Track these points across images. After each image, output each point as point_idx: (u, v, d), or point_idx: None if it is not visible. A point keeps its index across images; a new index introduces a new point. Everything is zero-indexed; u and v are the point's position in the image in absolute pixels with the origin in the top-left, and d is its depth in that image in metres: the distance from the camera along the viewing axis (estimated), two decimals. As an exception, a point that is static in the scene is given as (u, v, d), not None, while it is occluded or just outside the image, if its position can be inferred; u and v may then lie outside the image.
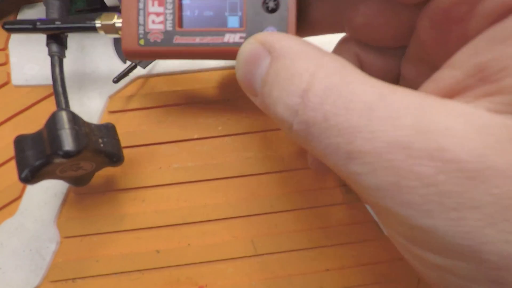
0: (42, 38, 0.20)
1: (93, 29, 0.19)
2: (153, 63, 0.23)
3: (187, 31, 0.17)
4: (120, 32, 0.18)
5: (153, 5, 0.17)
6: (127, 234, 0.21)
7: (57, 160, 0.16)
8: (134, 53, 0.18)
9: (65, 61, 0.20)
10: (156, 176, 0.22)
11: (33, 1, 0.24)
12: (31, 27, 0.19)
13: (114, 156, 0.19)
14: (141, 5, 0.17)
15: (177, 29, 0.17)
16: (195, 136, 0.22)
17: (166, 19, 0.17)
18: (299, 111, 0.12)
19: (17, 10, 0.24)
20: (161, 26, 0.17)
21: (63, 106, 0.18)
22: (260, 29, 0.17)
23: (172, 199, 0.22)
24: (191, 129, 0.22)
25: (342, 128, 0.11)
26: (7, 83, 0.23)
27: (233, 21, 0.17)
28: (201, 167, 0.22)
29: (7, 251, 0.21)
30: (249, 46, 0.14)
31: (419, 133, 0.10)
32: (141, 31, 0.17)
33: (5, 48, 0.23)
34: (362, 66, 0.18)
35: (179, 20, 0.17)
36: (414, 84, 0.16)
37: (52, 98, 0.22)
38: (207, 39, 0.17)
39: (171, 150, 0.22)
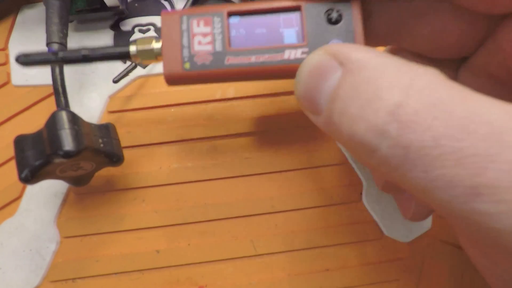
0: (42, 38, 0.20)
1: (126, 55, 0.17)
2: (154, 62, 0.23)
3: (240, 50, 0.15)
4: (158, 58, 0.17)
5: (198, 25, 0.16)
6: (127, 234, 0.21)
7: (57, 160, 0.16)
8: (179, 78, 0.16)
9: (65, 61, 0.20)
10: (156, 176, 0.22)
11: (33, 1, 0.24)
12: (53, 58, 0.17)
13: (114, 156, 0.19)
14: (184, 27, 0.16)
15: (228, 49, 0.15)
16: (195, 136, 0.22)
17: (214, 39, 0.16)
18: (390, 131, 0.09)
19: (17, 10, 0.24)
20: (209, 47, 0.16)
21: (63, 106, 0.18)
22: (325, 42, 0.15)
23: (172, 199, 0.22)
24: (191, 129, 0.22)
25: (464, 156, 0.09)
26: (7, 83, 0.23)
27: (290, 36, 0.15)
28: (201, 167, 0.22)
29: (7, 251, 0.21)
30: (316, 57, 0.12)
31: None
32: (185, 53, 0.16)
33: (5, 48, 0.23)
34: None
35: (228, 39, 0.16)
36: None
37: (52, 98, 0.22)
38: (264, 57, 0.15)
39: (171, 150, 0.22)
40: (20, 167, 0.17)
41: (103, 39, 0.24)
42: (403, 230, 0.21)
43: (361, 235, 0.21)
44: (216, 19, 0.16)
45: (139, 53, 0.16)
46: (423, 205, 0.16)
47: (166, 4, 0.25)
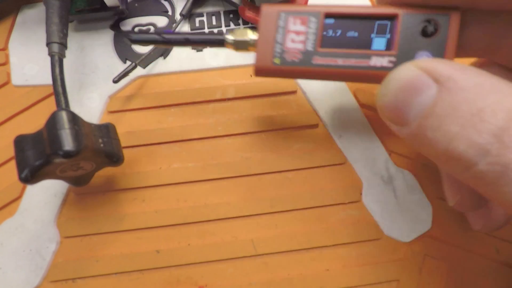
0: (42, 38, 0.20)
1: (222, 43, 0.18)
2: (153, 62, 0.23)
3: (329, 52, 0.16)
4: (251, 49, 0.17)
5: (294, 23, 0.16)
6: (127, 234, 0.21)
7: (57, 160, 0.16)
8: (267, 71, 0.17)
9: (65, 61, 0.20)
10: (156, 176, 0.22)
11: (33, 1, 0.24)
12: (159, 38, 0.18)
13: (114, 156, 0.19)
14: (281, 23, 0.16)
15: (318, 49, 0.16)
16: (195, 136, 0.22)
17: (307, 39, 0.16)
18: (491, 151, 0.10)
19: (17, 10, 0.24)
20: (300, 46, 0.16)
21: (63, 106, 0.18)
22: (412, 53, 0.15)
23: (172, 199, 0.22)
24: (191, 129, 0.22)
25: None
26: (7, 83, 0.23)
27: (379, 43, 0.16)
28: (201, 167, 0.22)
29: (7, 251, 0.21)
30: (408, 73, 0.13)
31: None
32: (277, 49, 0.16)
33: (5, 48, 0.23)
34: None
35: (320, 40, 0.16)
36: None
37: (52, 98, 0.23)
38: (351, 62, 0.16)
39: (171, 150, 0.22)
40: (20, 167, 0.17)
41: (103, 39, 0.24)
42: (403, 230, 0.21)
43: (361, 235, 0.21)
44: (312, 19, 0.16)
45: (235, 42, 0.18)
46: (500, 218, 0.17)
47: (166, 4, 0.25)
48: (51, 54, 0.19)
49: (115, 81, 0.22)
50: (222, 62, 0.23)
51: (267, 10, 0.17)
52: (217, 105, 0.23)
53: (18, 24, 0.24)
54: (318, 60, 0.16)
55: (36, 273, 0.20)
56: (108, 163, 0.19)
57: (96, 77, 0.23)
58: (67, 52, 0.20)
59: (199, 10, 0.25)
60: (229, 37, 0.18)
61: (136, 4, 0.25)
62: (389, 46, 0.16)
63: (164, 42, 0.18)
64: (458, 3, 0.14)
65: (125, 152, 0.20)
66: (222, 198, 0.22)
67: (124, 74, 0.22)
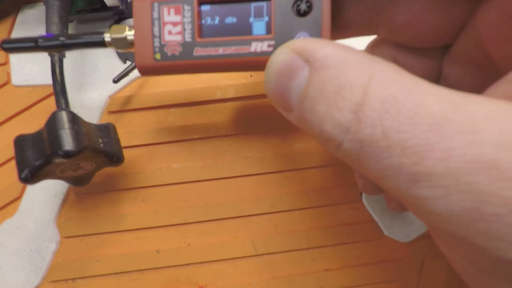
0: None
1: (102, 44, 0.16)
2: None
3: (208, 41, 0.15)
4: (132, 47, 0.16)
5: (169, 13, 0.15)
6: (127, 234, 0.21)
7: (57, 160, 0.16)
8: (150, 69, 0.16)
9: (65, 61, 0.20)
10: (156, 176, 0.22)
11: (33, 1, 0.24)
12: (33, 45, 0.17)
13: (114, 156, 0.19)
14: (155, 15, 0.15)
15: (197, 39, 0.15)
16: (195, 136, 0.22)
17: (184, 29, 0.15)
18: (351, 128, 0.10)
19: (17, 10, 0.24)
20: (179, 37, 0.15)
21: (63, 106, 0.18)
22: (290, 35, 0.15)
23: (172, 199, 0.22)
24: (191, 129, 0.22)
25: (407, 146, 0.09)
26: (7, 83, 0.23)
27: (259, 27, 0.15)
28: (201, 167, 0.22)
29: (7, 251, 0.21)
30: (282, 56, 0.12)
31: (507, 149, 0.08)
32: (156, 43, 0.15)
33: (5, 48, 0.23)
34: None
35: (198, 29, 0.15)
36: (457, 85, 0.15)
37: (52, 98, 0.22)
38: (232, 49, 0.15)
39: (171, 150, 0.22)
40: (20, 167, 0.17)
41: (103, 39, 0.24)
42: (403, 230, 0.21)
43: (361, 235, 0.21)
44: (186, 7, 0.15)
45: (113, 41, 0.16)
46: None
47: (166, 4, 0.25)
48: (51, 54, 0.19)
49: (115, 81, 0.22)
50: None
51: (138, 2, 0.15)
52: (217, 105, 0.23)
53: (18, 24, 0.24)
54: (199, 52, 0.15)
55: (36, 273, 0.20)
56: (108, 163, 0.19)
57: (96, 77, 0.23)
58: (67, 52, 0.20)
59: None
60: (107, 36, 0.16)
61: (136, 4, 0.25)
62: (268, 29, 0.15)
63: (40, 48, 0.17)
64: None
65: (125, 152, 0.20)
66: (222, 198, 0.22)
67: (124, 74, 0.22)
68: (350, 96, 0.10)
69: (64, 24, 0.20)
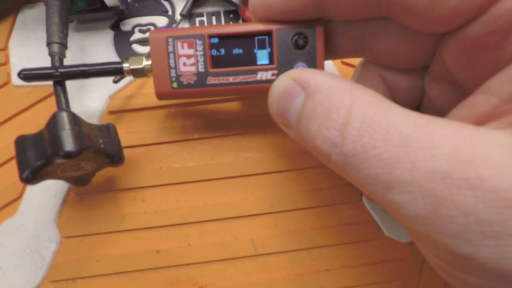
0: (42, 38, 0.20)
1: (121, 72, 0.18)
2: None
3: (220, 71, 0.17)
4: (149, 74, 0.18)
5: (182, 47, 0.17)
6: (127, 234, 0.21)
7: (58, 161, 0.16)
8: (168, 96, 0.18)
9: (65, 61, 0.20)
10: (156, 176, 0.22)
11: (33, 1, 0.24)
12: (52, 72, 0.18)
13: (115, 156, 0.19)
14: (170, 48, 0.17)
15: (210, 70, 0.17)
16: (195, 136, 0.22)
17: (197, 61, 0.17)
18: (337, 143, 0.12)
19: (17, 10, 0.24)
20: (193, 68, 0.17)
21: (64, 106, 0.18)
22: (291, 65, 0.17)
23: (172, 199, 0.22)
24: (191, 129, 0.22)
25: (381, 159, 0.11)
26: (7, 83, 0.23)
27: (262, 57, 0.17)
28: (201, 167, 0.22)
29: (7, 251, 0.21)
30: (283, 83, 0.15)
31: (457, 162, 0.10)
32: (173, 74, 0.17)
33: (5, 48, 0.23)
34: (388, 85, 0.18)
35: (210, 60, 0.17)
36: (438, 101, 0.17)
37: (52, 98, 0.23)
38: (240, 78, 0.17)
39: (171, 150, 0.22)
40: (21, 167, 0.17)
41: (103, 39, 0.24)
42: (403, 230, 0.21)
43: (361, 235, 0.21)
44: (198, 42, 0.17)
45: (132, 70, 0.18)
46: None
47: (166, 4, 0.25)
48: (51, 54, 0.19)
49: (115, 81, 0.22)
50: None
51: (154, 36, 0.17)
52: (217, 105, 0.23)
53: (18, 24, 0.24)
54: (211, 80, 0.17)
55: (36, 273, 0.20)
56: (108, 163, 0.19)
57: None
58: (67, 52, 0.20)
59: (199, 10, 0.25)
60: (125, 66, 0.18)
61: (136, 4, 0.25)
62: (271, 59, 0.17)
63: (59, 76, 0.18)
64: (316, 15, 0.16)
65: (125, 152, 0.20)
66: (222, 198, 0.22)
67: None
68: (336, 117, 0.12)
69: (64, 24, 0.20)
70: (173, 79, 0.17)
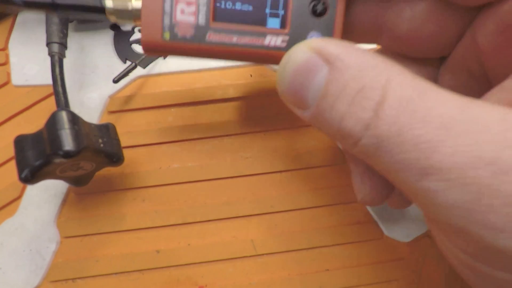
0: (42, 38, 0.20)
1: (100, 10, 0.15)
2: (153, 62, 0.23)
3: (223, 27, 0.15)
4: (137, 21, 0.15)
5: None
6: (127, 234, 0.21)
7: (57, 160, 0.16)
8: (157, 48, 0.15)
9: (65, 61, 0.20)
10: (156, 176, 0.22)
11: (33, 1, 0.24)
12: (18, 1, 0.15)
13: (114, 156, 0.19)
14: None
15: (212, 24, 0.15)
16: (195, 136, 0.22)
17: (198, 10, 0.14)
18: (371, 124, 0.11)
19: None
20: (192, 18, 0.14)
21: (63, 106, 0.18)
22: (304, 33, 0.15)
23: (172, 199, 0.22)
24: (191, 129, 0.22)
25: (419, 142, 0.10)
26: (7, 83, 0.23)
27: (274, 20, 0.15)
28: (201, 167, 0.22)
29: (7, 251, 0.21)
30: (302, 55, 0.13)
31: (505, 148, 0.09)
32: (166, 21, 0.14)
33: (5, 48, 0.23)
34: None
35: (213, 12, 0.14)
36: None
37: (52, 98, 0.22)
38: (246, 40, 0.15)
39: (171, 150, 0.22)
40: (20, 167, 0.17)
41: (103, 39, 0.24)
42: (403, 230, 0.21)
43: (361, 235, 0.21)
44: None
45: (115, 11, 0.15)
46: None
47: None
48: (51, 54, 0.19)
49: (115, 81, 0.22)
50: (222, 62, 0.23)
51: None
52: (217, 105, 0.23)
53: (18, 24, 0.24)
54: (212, 37, 0.15)
55: (36, 273, 0.20)
56: (108, 163, 0.19)
57: (96, 77, 0.23)
58: (67, 52, 0.20)
59: None
60: (108, 3, 0.15)
61: (136, 4, 0.25)
62: (283, 23, 0.15)
63: (25, 4, 0.15)
64: None
65: (125, 152, 0.20)
66: (222, 198, 0.22)
67: (124, 74, 0.22)
68: (372, 95, 0.11)
69: (64, 24, 0.20)
70: (166, 28, 0.14)
